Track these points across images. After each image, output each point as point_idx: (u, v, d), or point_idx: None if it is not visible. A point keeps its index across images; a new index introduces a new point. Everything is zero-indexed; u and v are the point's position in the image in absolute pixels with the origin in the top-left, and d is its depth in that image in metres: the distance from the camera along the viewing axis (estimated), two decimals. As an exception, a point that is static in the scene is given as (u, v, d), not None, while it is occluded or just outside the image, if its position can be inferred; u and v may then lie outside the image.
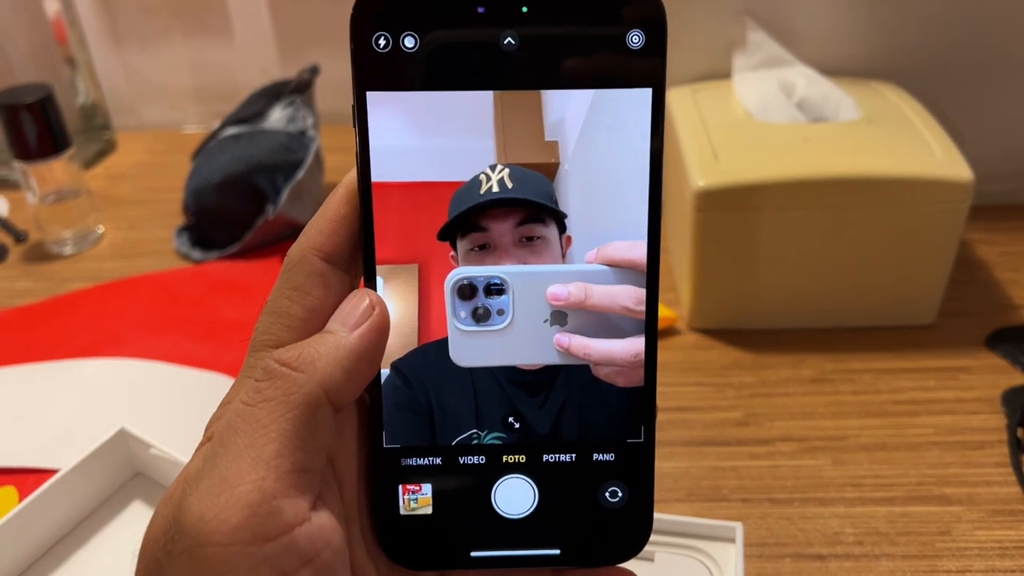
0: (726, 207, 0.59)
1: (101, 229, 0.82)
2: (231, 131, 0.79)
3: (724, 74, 0.72)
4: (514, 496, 0.28)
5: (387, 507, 0.27)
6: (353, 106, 0.26)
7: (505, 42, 0.25)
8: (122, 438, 0.49)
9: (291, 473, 0.23)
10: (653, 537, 0.47)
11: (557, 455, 0.28)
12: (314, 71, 0.84)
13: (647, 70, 0.26)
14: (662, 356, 0.64)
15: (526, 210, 0.27)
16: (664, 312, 0.65)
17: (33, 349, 0.65)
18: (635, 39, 0.25)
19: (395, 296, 0.27)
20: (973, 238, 0.74)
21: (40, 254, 0.79)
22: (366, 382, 0.26)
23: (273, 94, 0.82)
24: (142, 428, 0.50)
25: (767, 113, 0.65)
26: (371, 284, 0.27)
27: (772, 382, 0.60)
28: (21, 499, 0.51)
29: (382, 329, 0.25)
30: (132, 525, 0.49)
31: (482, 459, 0.28)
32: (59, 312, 0.70)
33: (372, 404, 0.27)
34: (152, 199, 0.87)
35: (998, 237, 0.74)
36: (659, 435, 0.55)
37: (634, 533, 0.28)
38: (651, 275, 0.27)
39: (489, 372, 0.27)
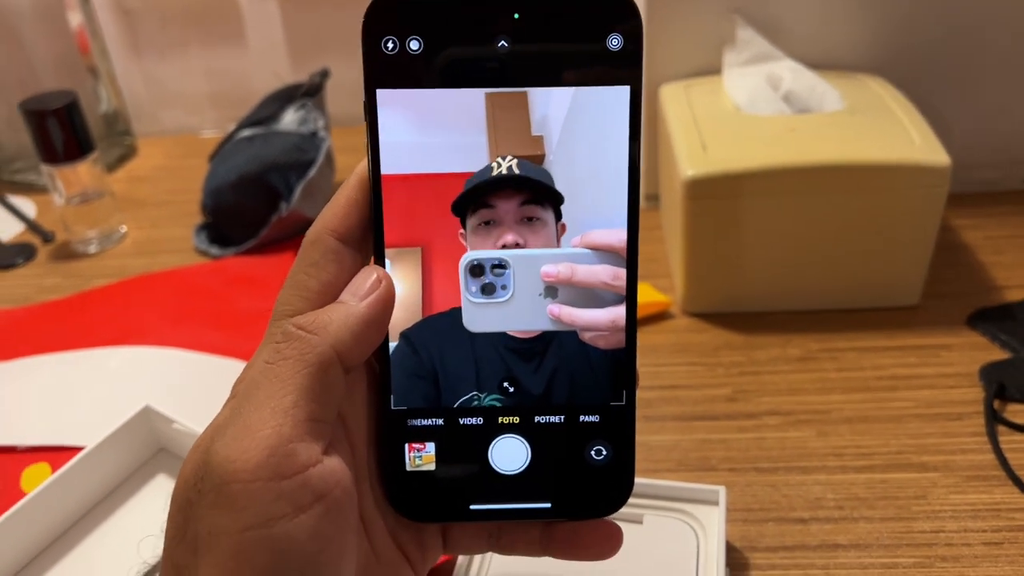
0: (715, 195, 0.62)
1: (124, 228, 0.86)
2: (246, 133, 0.83)
3: (715, 70, 0.75)
4: (509, 454, 0.31)
5: (394, 463, 0.31)
6: (364, 102, 0.29)
7: (499, 45, 0.29)
8: (146, 415, 0.53)
9: (306, 422, 0.27)
10: (642, 501, 0.50)
11: (547, 416, 0.31)
12: (324, 75, 0.88)
13: (625, 70, 0.29)
14: (657, 338, 0.67)
15: (529, 192, 0.31)
16: (658, 297, 0.68)
17: (62, 340, 0.68)
18: (614, 42, 0.29)
19: (402, 275, 0.31)
20: (960, 223, 0.76)
21: (67, 253, 0.83)
22: (373, 346, 0.29)
23: (286, 97, 0.86)
24: (165, 408, 0.54)
25: (755, 106, 0.68)
26: (380, 262, 0.30)
27: (760, 361, 0.63)
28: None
29: (387, 300, 0.29)
30: (157, 497, 0.53)
31: (480, 420, 0.31)
32: (85, 306, 0.73)
33: (381, 370, 0.31)
34: (172, 200, 0.91)
35: (984, 222, 0.76)
36: (652, 410, 0.59)
37: (618, 488, 0.31)
38: (631, 256, 0.31)
39: (489, 340, 0.31)
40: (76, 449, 0.56)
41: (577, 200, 0.31)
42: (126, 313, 0.72)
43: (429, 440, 0.31)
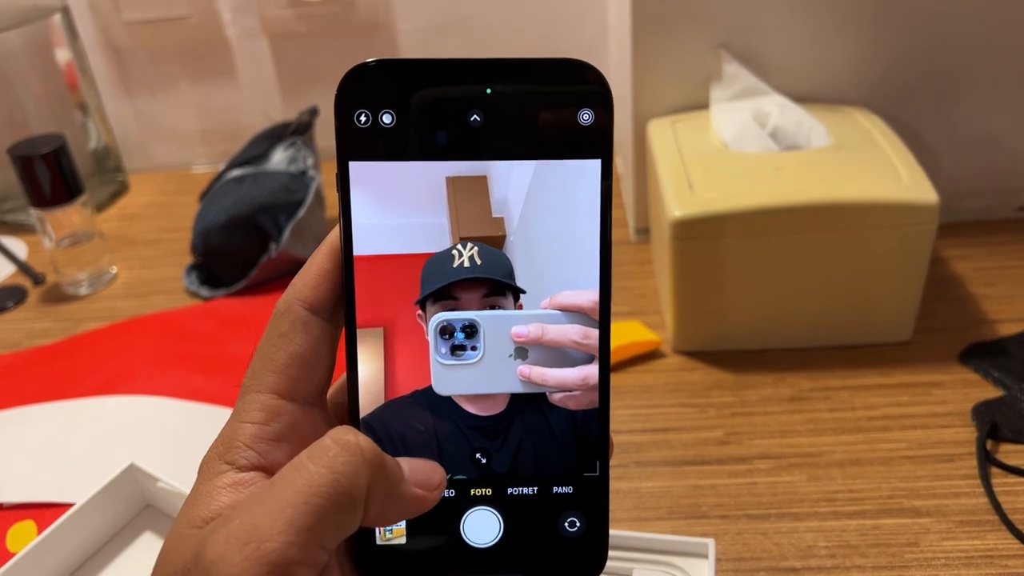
0: (701, 235, 0.62)
1: (115, 269, 0.86)
2: (235, 173, 0.83)
3: (703, 105, 0.75)
4: (482, 526, 0.31)
5: (364, 537, 0.30)
6: (337, 175, 0.29)
7: (472, 119, 0.29)
8: (131, 473, 0.53)
9: (315, 547, 0.25)
10: (631, 554, 0.50)
11: (521, 488, 0.31)
12: (313, 112, 0.88)
13: (596, 143, 0.29)
14: (648, 378, 0.67)
15: (491, 285, 0.31)
16: (649, 336, 0.68)
17: (50, 388, 0.68)
18: (585, 117, 0.29)
19: (364, 356, 0.30)
20: (950, 254, 0.76)
21: (57, 295, 0.83)
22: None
23: (275, 136, 0.86)
24: (153, 462, 0.54)
25: (742, 143, 0.68)
26: (351, 338, 0.30)
27: (752, 401, 0.63)
28: (39, 532, 0.54)
29: (436, 501, 0.29)
30: (144, 554, 0.53)
31: (452, 492, 0.31)
32: (74, 352, 0.73)
33: None
34: (163, 239, 0.91)
35: (975, 252, 0.76)
36: (644, 455, 0.59)
37: (592, 559, 0.31)
38: (603, 327, 0.30)
39: (450, 420, 0.31)
40: (62, 506, 0.56)
41: (546, 271, 0.30)
42: (115, 359, 0.72)
43: None
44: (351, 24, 0.96)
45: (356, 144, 0.29)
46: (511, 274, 0.31)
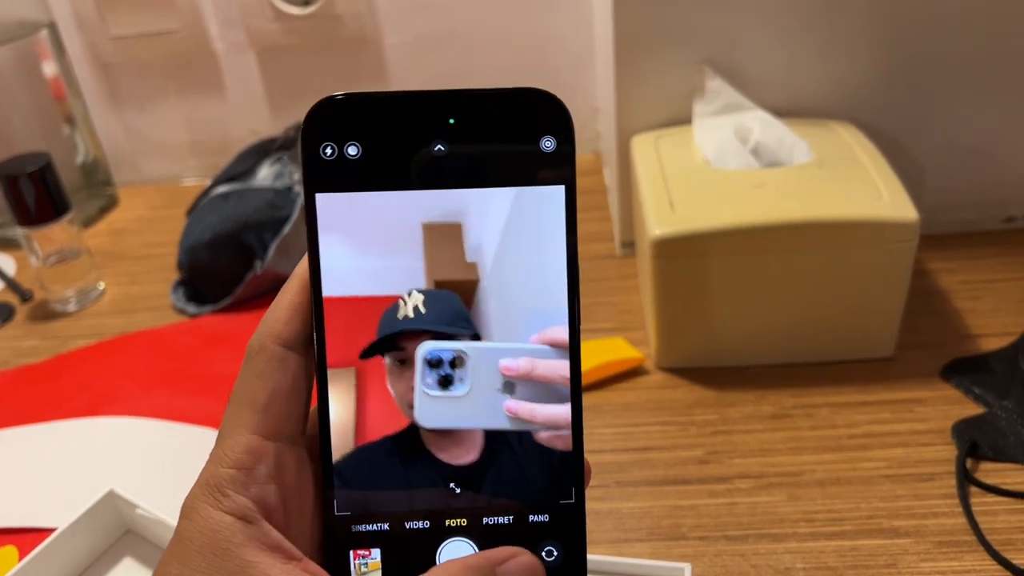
0: (682, 253, 0.62)
1: (102, 286, 0.86)
2: (221, 189, 0.83)
3: (686, 119, 0.75)
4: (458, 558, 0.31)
5: (339, 572, 0.30)
6: (304, 207, 0.30)
7: (435, 149, 0.29)
8: (111, 499, 0.53)
9: None
10: (609, 580, 0.49)
11: (496, 518, 0.31)
12: (300, 128, 0.88)
13: (559, 170, 0.30)
14: (631, 396, 0.67)
15: (434, 335, 0.31)
16: (632, 353, 0.68)
17: (35, 409, 0.68)
18: (547, 144, 0.30)
19: (334, 397, 0.30)
20: (935, 267, 0.76)
21: (45, 313, 0.83)
22: None
23: (261, 151, 0.86)
24: (135, 485, 0.54)
25: (723, 159, 0.68)
26: (322, 378, 0.30)
27: (734, 419, 0.63)
28: (20, 557, 0.55)
29: None
30: (124, 579, 0.53)
31: (427, 524, 0.31)
32: (60, 372, 0.73)
33: (324, 475, 0.30)
34: (152, 254, 0.91)
35: (960, 265, 0.76)
36: (625, 475, 0.59)
37: None
38: (573, 354, 0.30)
39: (422, 469, 0.31)
40: (44, 531, 0.56)
41: (522, 307, 0.31)
42: (101, 379, 0.72)
43: (375, 546, 0.31)
44: (339, 38, 0.96)
45: (323, 176, 0.29)
46: (459, 317, 0.31)
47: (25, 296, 0.85)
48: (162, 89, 1.02)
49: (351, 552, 0.30)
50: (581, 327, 0.31)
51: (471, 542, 0.31)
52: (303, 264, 0.30)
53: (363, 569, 0.30)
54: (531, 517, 0.31)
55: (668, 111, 0.76)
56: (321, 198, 0.29)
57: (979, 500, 0.55)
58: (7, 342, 0.80)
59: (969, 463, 0.57)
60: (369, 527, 0.30)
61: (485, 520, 0.31)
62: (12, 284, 0.87)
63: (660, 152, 0.71)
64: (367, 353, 0.31)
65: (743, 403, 0.64)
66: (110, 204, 1.02)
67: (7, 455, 0.64)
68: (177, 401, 0.68)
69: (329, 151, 0.29)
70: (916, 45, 0.73)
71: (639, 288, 0.76)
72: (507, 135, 0.29)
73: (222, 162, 0.98)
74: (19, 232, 0.80)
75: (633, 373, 0.68)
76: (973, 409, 0.61)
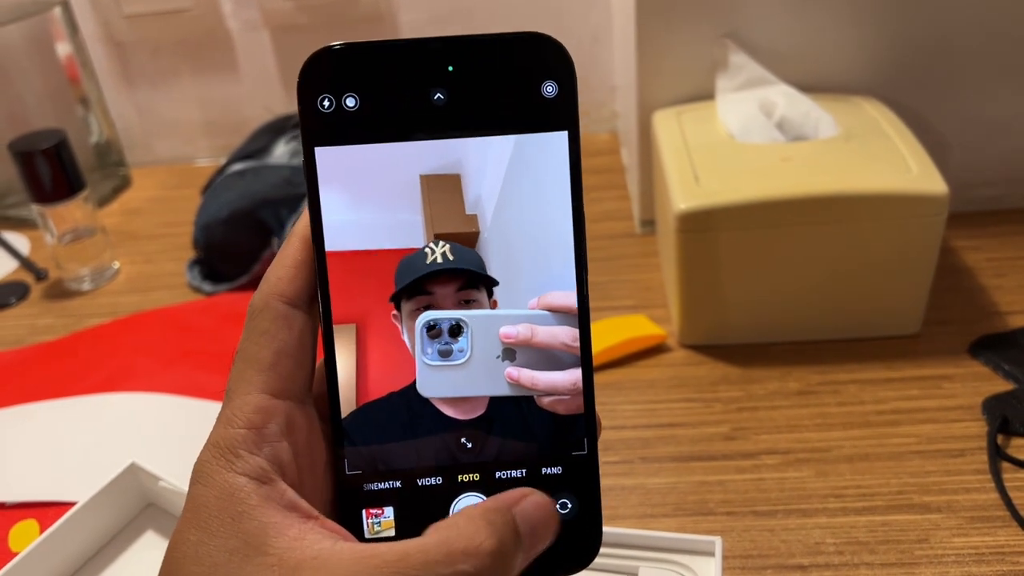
0: (707, 228, 0.61)
1: (117, 265, 0.85)
2: (237, 167, 0.82)
3: (708, 95, 0.74)
4: None
5: (353, 531, 0.30)
6: (303, 161, 0.29)
7: (435, 98, 0.29)
8: (133, 472, 0.52)
9: None
10: (638, 552, 0.49)
11: (508, 471, 0.30)
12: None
13: (562, 115, 0.29)
14: (654, 373, 0.66)
15: (465, 278, 0.30)
16: (654, 330, 0.67)
17: (53, 385, 0.68)
18: (549, 89, 0.29)
19: (338, 353, 0.30)
20: (960, 244, 0.75)
21: (60, 291, 0.83)
22: None
23: (276, 129, 0.85)
24: (155, 459, 0.53)
25: (748, 134, 0.67)
26: (328, 332, 0.29)
27: (759, 396, 0.62)
28: (42, 531, 0.54)
29: None
30: (146, 553, 0.52)
31: (439, 480, 0.30)
32: (77, 348, 0.73)
33: (334, 434, 0.30)
34: (166, 233, 0.91)
35: (985, 243, 0.75)
36: (650, 451, 0.58)
37: (586, 542, 0.30)
38: (581, 302, 0.30)
39: (430, 425, 0.30)
40: (64, 505, 0.55)
41: (524, 263, 0.30)
42: (118, 356, 0.71)
43: (387, 504, 0.30)
44: (353, 16, 0.95)
45: (321, 129, 0.29)
46: (482, 268, 0.31)
47: (40, 275, 0.85)
48: (175, 68, 1.01)
49: (364, 511, 0.30)
50: (592, 301, 0.30)
51: (484, 497, 0.30)
52: (303, 220, 0.30)
53: (376, 528, 0.30)
54: (544, 470, 0.30)
55: (690, 86, 0.75)
56: (321, 152, 0.29)
57: (1011, 476, 0.54)
58: (23, 320, 0.79)
59: (1000, 439, 0.56)
60: (381, 485, 0.30)
61: (497, 474, 0.30)
62: (26, 263, 0.86)
63: (683, 127, 0.70)
64: (396, 296, 0.30)
65: (768, 380, 0.63)
66: (123, 184, 1.01)
67: (27, 430, 0.63)
68: (195, 377, 0.67)
69: (327, 103, 0.28)
70: (941, 20, 0.71)
71: (660, 266, 0.75)
72: (507, 80, 0.29)
73: (235, 142, 0.98)
74: (34, 210, 0.79)
75: (656, 350, 0.67)
76: (1002, 385, 0.61)
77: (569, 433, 0.30)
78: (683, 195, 0.62)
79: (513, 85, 0.29)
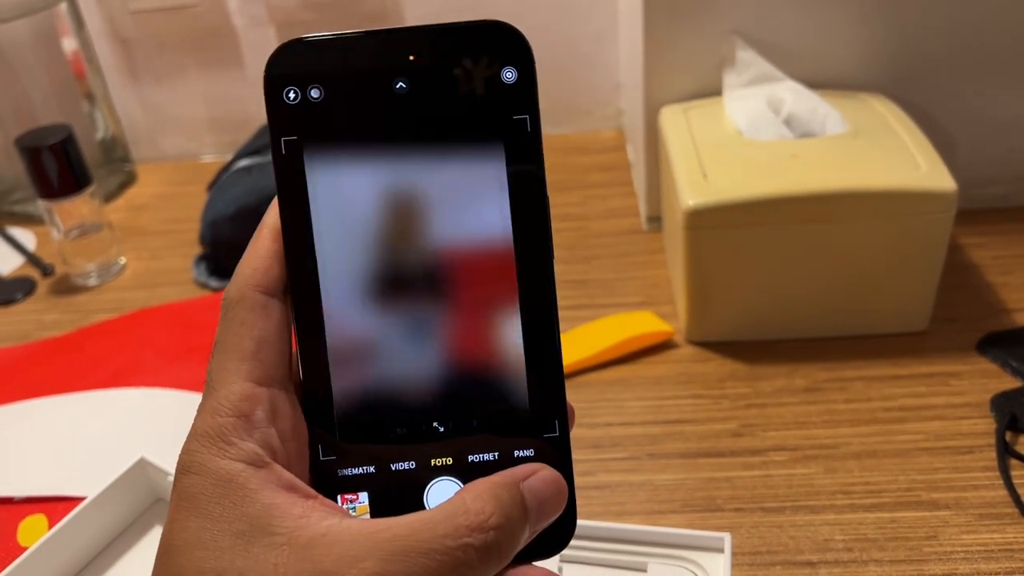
0: (715, 224, 0.61)
1: (123, 260, 0.85)
2: (243, 163, 0.82)
3: (716, 91, 0.74)
4: (445, 498, 0.30)
5: None
6: (272, 153, 0.30)
7: (397, 87, 0.29)
8: (141, 467, 0.52)
9: None
10: (647, 548, 0.49)
11: (481, 455, 0.30)
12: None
13: (522, 101, 0.30)
14: (661, 370, 0.66)
15: None
16: (662, 327, 0.67)
17: (60, 380, 0.68)
18: (508, 75, 0.30)
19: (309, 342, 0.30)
20: (967, 242, 0.75)
21: (66, 287, 0.83)
22: None
23: (283, 125, 0.85)
24: (163, 455, 0.53)
25: (756, 130, 0.67)
26: (302, 318, 0.30)
27: (767, 392, 0.62)
28: (50, 526, 0.54)
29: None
30: (155, 547, 0.52)
31: (413, 464, 0.30)
32: (83, 344, 0.73)
33: (307, 419, 0.30)
34: (172, 229, 0.91)
35: (992, 241, 0.75)
36: (658, 447, 0.58)
37: (561, 526, 0.30)
38: (545, 267, 0.30)
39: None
40: (73, 499, 0.55)
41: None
42: (124, 351, 0.71)
43: (362, 489, 0.30)
44: (358, 12, 0.95)
45: (288, 121, 0.29)
46: None
47: (46, 270, 0.85)
48: (181, 64, 1.01)
49: (339, 496, 0.30)
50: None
51: (458, 481, 0.30)
52: (272, 212, 0.30)
53: (352, 513, 0.30)
54: (516, 452, 0.31)
55: (697, 82, 0.75)
56: (288, 143, 0.29)
57: (1020, 473, 0.54)
58: (30, 315, 0.79)
59: (1008, 436, 0.56)
60: (355, 470, 0.30)
61: (471, 457, 0.30)
62: (32, 259, 0.86)
63: (690, 123, 0.70)
64: None
65: (775, 377, 0.63)
66: (129, 181, 1.01)
67: (34, 425, 0.63)
68: (202, 373, 0.67)
69: (292, 95, 0.29)
70: (949, 17, 0.71)
71: (666, 263, 0.75)
72: (467, 68, 0.30)
73: (241, 139, 0.98)
74: (40, 206, 0.79)
75: (663, 347, 0.67)
76: (1011, 383, 0.60)
77: (541, 416, 0.31)
78: (691, 192, 0.62)
79: (473, 72, 0.30)
